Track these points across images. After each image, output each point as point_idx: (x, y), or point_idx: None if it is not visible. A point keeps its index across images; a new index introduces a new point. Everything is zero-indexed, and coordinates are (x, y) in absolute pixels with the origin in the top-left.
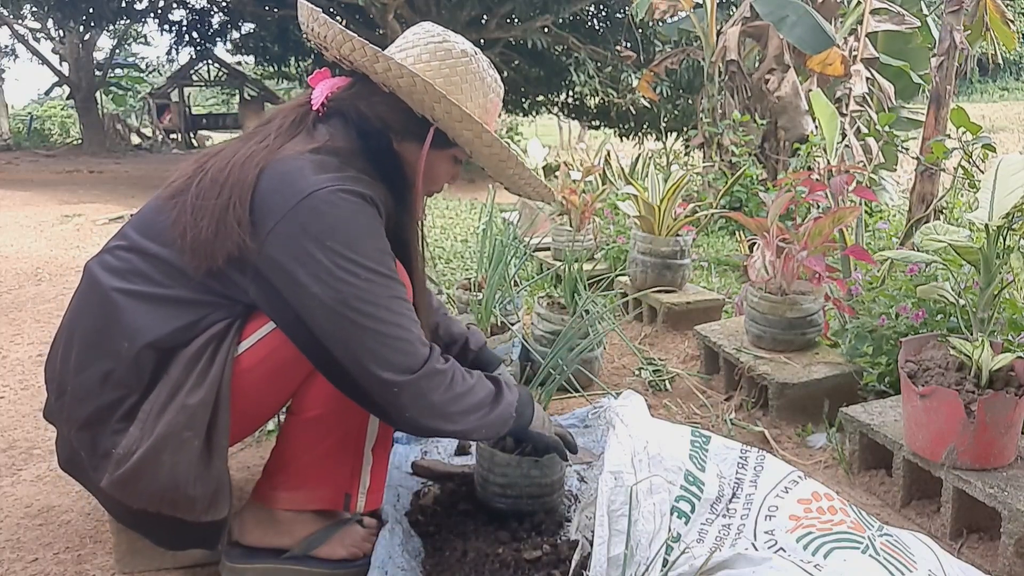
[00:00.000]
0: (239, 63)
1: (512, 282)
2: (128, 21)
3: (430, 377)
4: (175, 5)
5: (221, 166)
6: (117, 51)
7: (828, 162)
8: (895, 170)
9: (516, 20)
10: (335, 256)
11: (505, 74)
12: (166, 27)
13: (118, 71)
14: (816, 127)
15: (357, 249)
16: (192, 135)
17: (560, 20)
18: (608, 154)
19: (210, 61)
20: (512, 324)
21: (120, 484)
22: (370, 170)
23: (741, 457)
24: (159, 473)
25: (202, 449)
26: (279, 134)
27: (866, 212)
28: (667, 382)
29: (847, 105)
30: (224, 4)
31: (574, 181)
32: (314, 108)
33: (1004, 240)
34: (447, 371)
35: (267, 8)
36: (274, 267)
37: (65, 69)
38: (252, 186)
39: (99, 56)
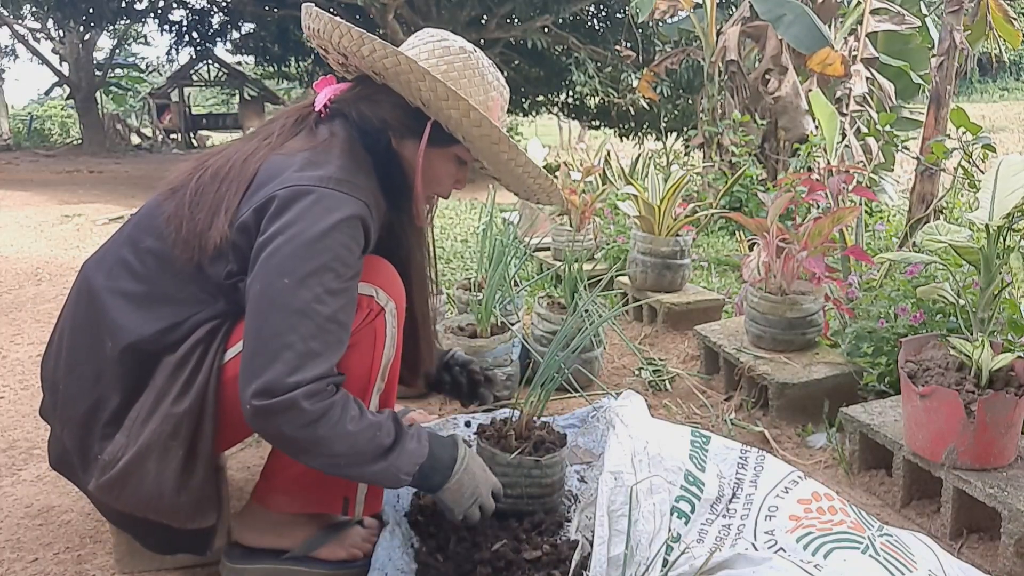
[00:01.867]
0: (239, 63)
1: (512, 282)
2: (128, 21)
3: (286, 411)
4: (175, 5)
5: (222, 163)
6: (117, 51)
7: (828, 162)
8: (892, 170)
9: (516, 20)
10: (275, 253)
11: (505, 74)
12: (166, 27)
13: (118, 71)
14: (816, 127)
15: (301, 252)
16: (192, 135)
17: (560, 20)
18: (608, 154)
19: (210, 61)
20: (512, 324)
21: (106, 489)
22: (368, 170)
23: (741, 457)
24: (144, 481)
25: (186, 458)
26: (281, 132)
27: (866, 212)
28: (667, 382)
29: (847, 105)
30: (224, 4)
31: (574, 181)
32: (316, 110)
33: (1004, 240)
34: (313, 413)
35: (267, 8)
36: (238, 247)
37: (65, 69)
38: (249, 181)
39: (99, 56)
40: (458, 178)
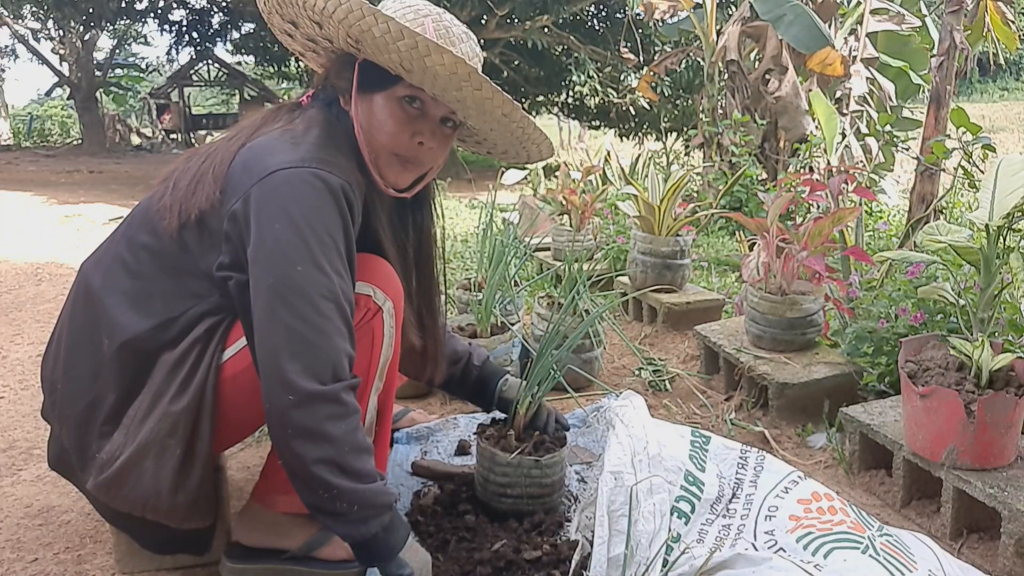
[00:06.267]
0: (239, 63)
1: (512, 282)
2: (128, 21)
3: (332, 401)
4: (175, 5)
5: (208, 149)
6: (117, 51)
7: (828, 162)
8: (892, 170)
9: (516, 20)
10: (278, 239)
11: (505, 74)
12: (166, 27)
13: (118, 71)
14: (816, 127)
15: (302, 235)
16: (192, 135)
17: (560, 20)
18: (608, 154)
19: (210, 61)
20: (512, 324)
21: (104, 488)
22: (347, 150)
23: (741, 457)
24: (141, 479)
25: (184, 457)
26: (265, 120)
27: (866, 212)
28: (667, 382)
29: (847, 105)
30: (224, 4)
31: (574, 181)
32: (303, 103)
33: (1004, 240)
34: (351, 408)
35: None
36: (230, 238)
37: (65, 69)
38: (231, 158)
39: (99, 56)
40: (410, 121)
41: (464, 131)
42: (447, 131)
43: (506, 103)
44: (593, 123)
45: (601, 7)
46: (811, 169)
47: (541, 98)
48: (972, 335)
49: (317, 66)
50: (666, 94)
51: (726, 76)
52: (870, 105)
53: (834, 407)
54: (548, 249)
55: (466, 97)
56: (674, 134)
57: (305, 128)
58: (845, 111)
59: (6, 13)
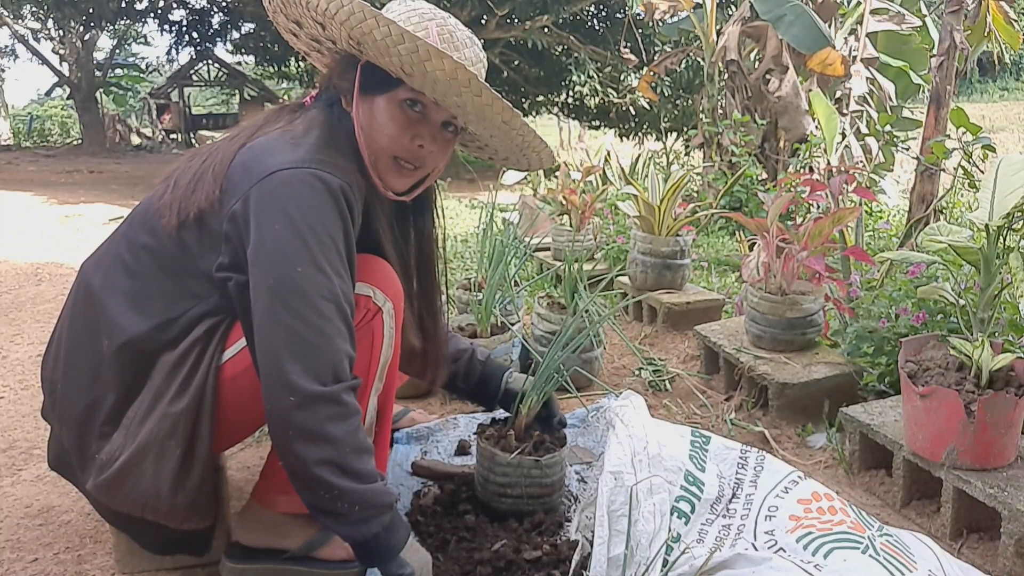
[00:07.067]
0: (239, 63)
1: (512, 282)
2: (128, 21)
3: (333, 402)
4: (175, 5)
5: (209, 149)
6: (117, 51)
7: (828, 162)
8: (892, 170)
9: (516, 20)
10: (278, 240)
11: (505, 74)
12: (166, 27)
13: (118, 71)
14: (816, 127)
15: (302, 236)
16: (192, 135)
17: (560, 20)
18: (608, 154)
19: (210, 61)
20: (512, 324)
21: (103, 488)
22: (348, 151)
23: (741, 457)
24: (141, 480)
25: (184, 458)
26: (267, 120)
27: (866, 212)
28: (667, 382)
29: (847, 105)
30: (224, 4)
31: (574, 181)
32: (306, 104)
33: (1004, 240)
34: (352, 409)
35: None
36: (229, 239)
37: (65, 69)
38: (231, 158)
39: (99, 56)
40: (410, 124)
41: (466, 136)
42: (448, 136)
43: (506, 110)
44: (593, 123)
45: (601, 7)
46: (811, 169)
47: (541, 98)
48: (972, 335)
49: (322, 65)
50: (666, 94)
51: (726, 76)
52: (870, 105)
53: (834, 407)
54: (548, 249)
55: (466, 103)
56: (674, 134)
57: (305, 129)
58: (845, 111)
59: (6, 13)
